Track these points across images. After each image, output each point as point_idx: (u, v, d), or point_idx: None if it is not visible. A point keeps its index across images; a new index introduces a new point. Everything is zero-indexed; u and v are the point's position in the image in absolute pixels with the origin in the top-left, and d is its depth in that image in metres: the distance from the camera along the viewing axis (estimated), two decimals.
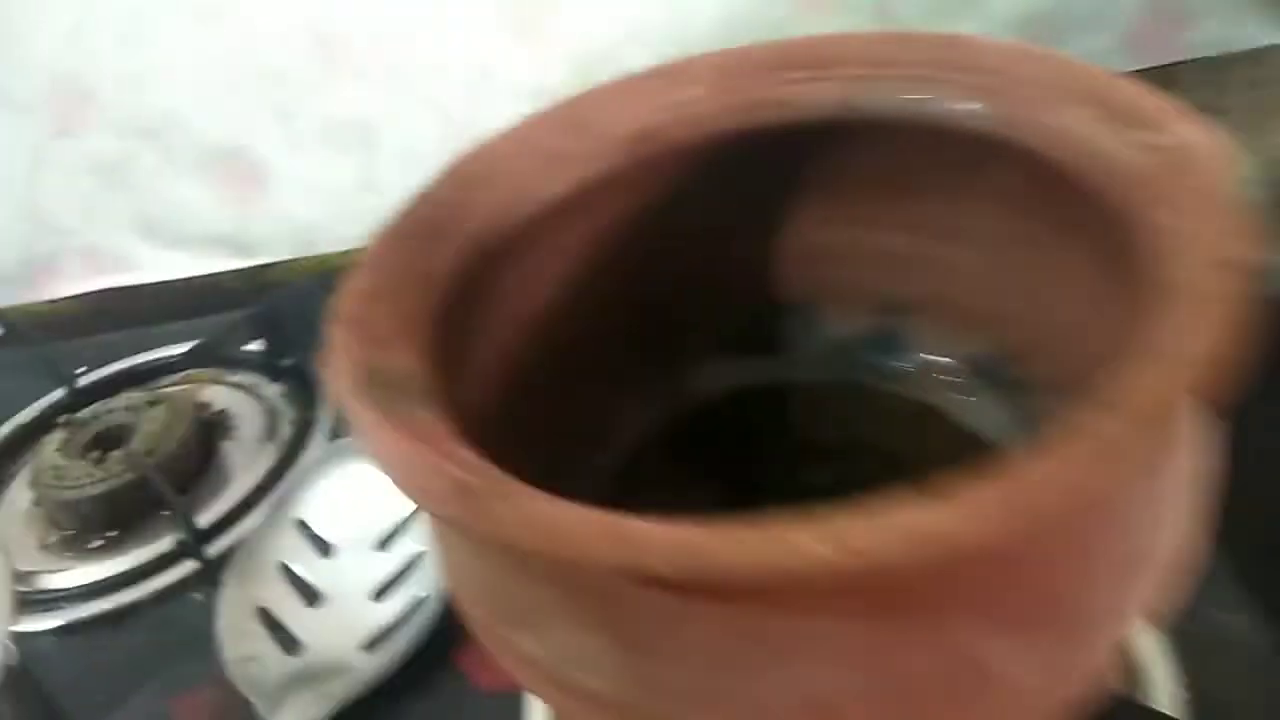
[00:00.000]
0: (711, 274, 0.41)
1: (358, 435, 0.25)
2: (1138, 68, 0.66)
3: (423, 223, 0.33)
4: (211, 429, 0.58)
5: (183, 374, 0.62)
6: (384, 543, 0.47)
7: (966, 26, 0.64)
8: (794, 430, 0.42)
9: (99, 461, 0.53)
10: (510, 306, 0.37)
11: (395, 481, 0.24)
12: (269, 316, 0.58)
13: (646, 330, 0.42)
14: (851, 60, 0.36)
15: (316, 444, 0.55)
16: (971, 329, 0.40)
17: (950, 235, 0.39)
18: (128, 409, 0.57)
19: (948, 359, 0.40)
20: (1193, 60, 0.66)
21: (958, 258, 0.39)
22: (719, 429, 0.42)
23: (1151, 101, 0.30)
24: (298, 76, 0.65)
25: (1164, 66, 0.66)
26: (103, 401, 0.59)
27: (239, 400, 0.60)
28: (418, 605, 0.44)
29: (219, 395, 0.61)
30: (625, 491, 0.40)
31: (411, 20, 0.64)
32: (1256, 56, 0.66)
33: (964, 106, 0.34)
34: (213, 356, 0.57)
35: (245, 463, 0.56)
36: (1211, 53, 0.65)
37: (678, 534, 0.20)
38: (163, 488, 0.50)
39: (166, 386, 0.63)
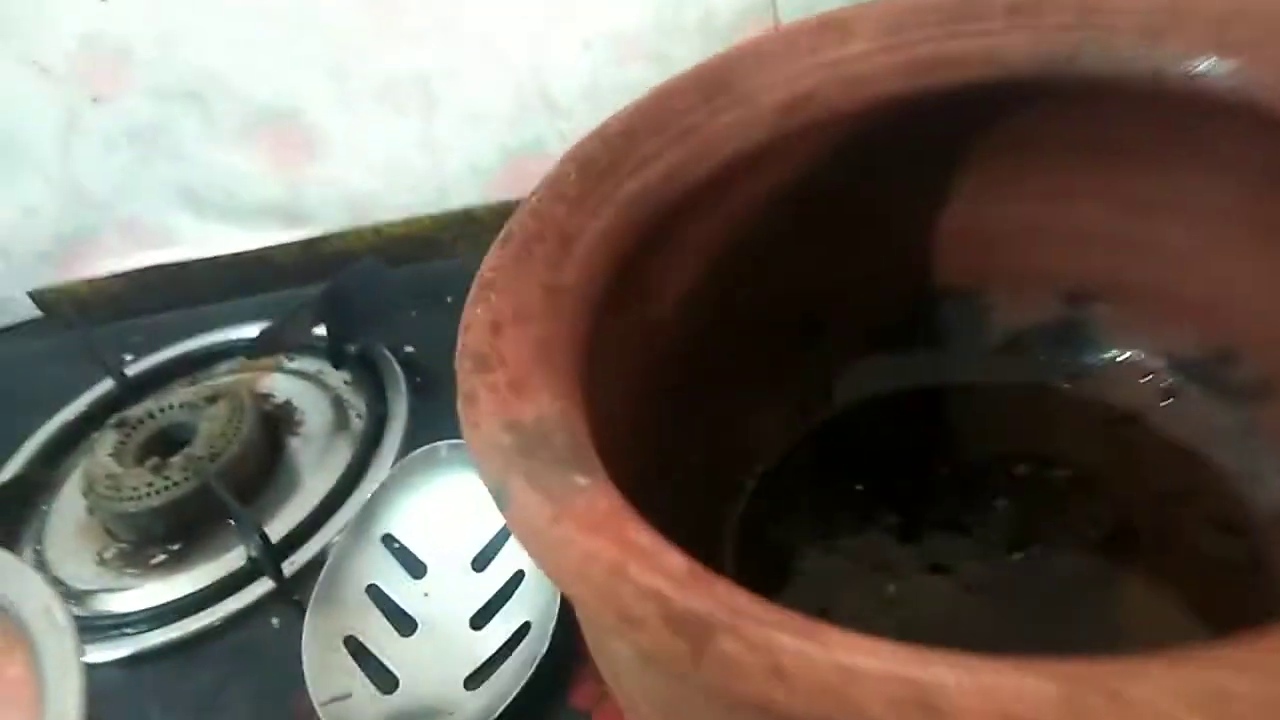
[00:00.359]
0: (863, 259, 0.35)
1: (512, 521, 0.20)
2: None
3: (548, 224, 0.27)
4: (275, 424, 0.53)
5: (240, 361, 0.57)
6: (480, 562, 0.42)
7: None
8: (960, 441, 0.36)
9: (158, 469, 0.48)
10: (640, 314, 0.31)
11: (575, 597, 0.18)
12: (331, 298, 0.53)
13: (787, 328, 0.36)
14: (1053, 4, 0.30)
15: (392, 441, 0.50)
16: (1178, 322, 0.34)
17: (1158, 209, 0.33)
18: (184, 406, 0.52)
19: (1148, 357, 0.35)
20: None
21: (1165, 235, 0.33)
22: (872, 438, 0.36)
23: None
24: (349, 31, 0.58)
25: None
26: (155, 396, 0.54)
27: (302, 390, 0.55)
28: (523, 633, 0.40)
29: (280, 385, 0.56)
30: (771, 514, 0.35)
31: None
32: None
33: (1198, 63, 0.28)
34: (275, 345, 0.52)
35: (315, 462, 0.51)
36: None
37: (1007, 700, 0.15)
38: (228, 498, 0.45)
39: (222, 375, 0.58)
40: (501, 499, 0.20)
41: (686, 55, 0.58)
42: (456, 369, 0.24)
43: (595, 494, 0.21)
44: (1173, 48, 0.28)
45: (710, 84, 0.31)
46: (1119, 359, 0.35)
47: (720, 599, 0.18)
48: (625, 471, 0.26)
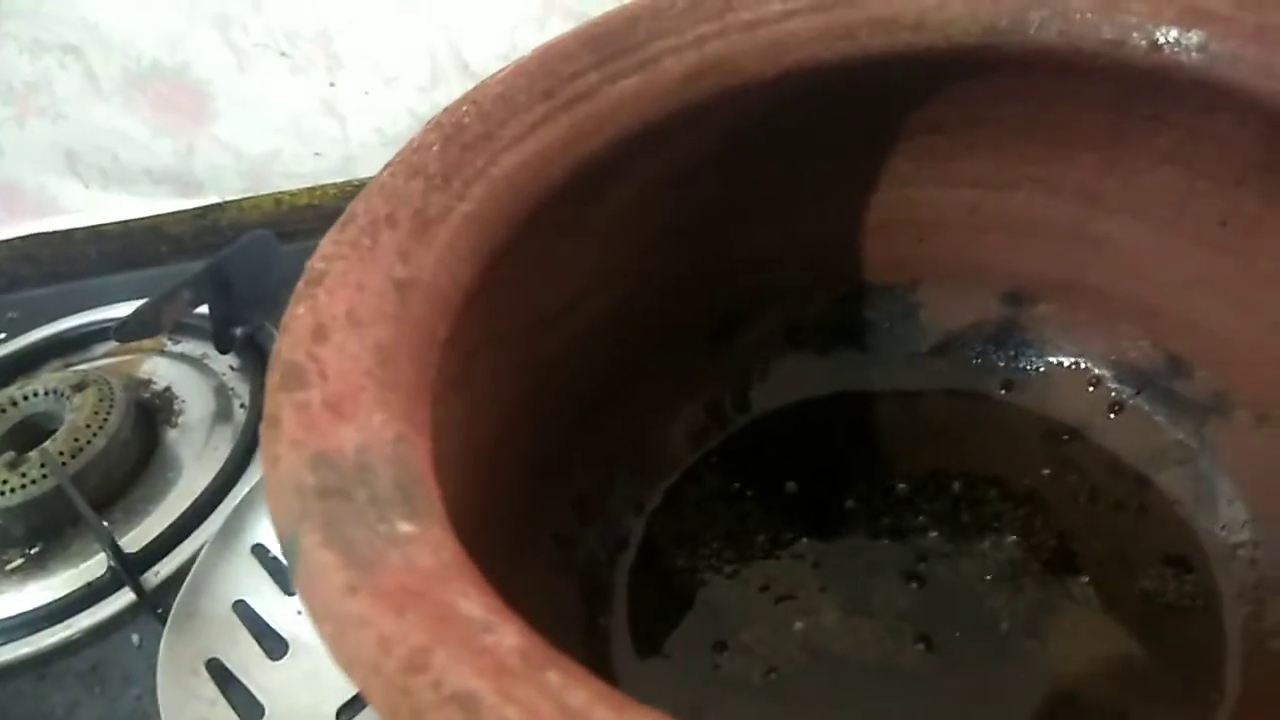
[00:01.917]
0: (781, 248, 0.32)
1: (300, 589, 0.16)
2: None
3: (400, 205, 0.23)
4: (152, 414, 0.48)
5: (117, 344, 0.52)
6: None
7: None
8: (886, 454, 0.32)
9: (13, 464, 0.43)
10: (519, 314, 0.27)
11: (367, 695, 0.14)
12: (215, 275, 0.48)
13: (696, 326, 0.32)
14: None
15: None
16: (1127, 327, 0.30)
17: (1108, 201, 0.29)
18: (50, 393, 0.47)
19: (1093, 364, 0.31)
20: None
21: (1115, 231, 0.30)
22: (789, 450, 0.32)
23: None
24: None
25: None
26: (21, 382, 0.49)
27: (184, 376, 0.50)
28: None
29: (160, 369, 0.51)
30: (674, 536, 0.31)
31: None
32: None
33: (1162, 34, 0.24)
34: (148, 327, 0.47)
35: (194, 456, 0.46)
36: None
37: None
38: (80, 503, 0.40)
39: (100, 358, 0.53)
40: (291, 559, 0.16)
41: None
42: (266, 385, 0.19)
43: (419, 546, 0.17)
44: (1134, 15, 0.25)
45: (606, 43, 0.27)
46: (1061, 365, 0.31)
47: (553, 694, 0.14)
48: (494, 500, 0.22)
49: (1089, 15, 0.25)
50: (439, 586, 0.16)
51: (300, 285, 0.21)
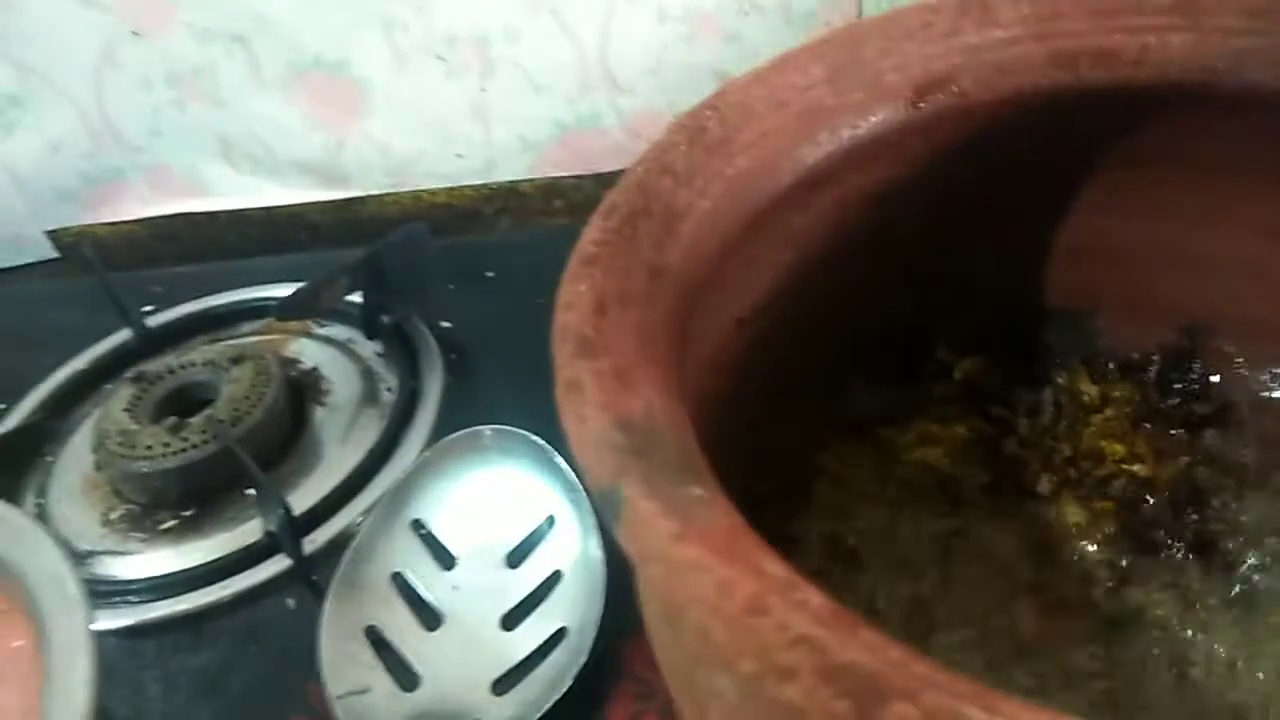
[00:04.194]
0: (971, 268, 0.33)
1: (627, 535, 0.17)
2: None
3: (654, 199, 0.24)
4: (301, 392, 0.50)
5: (266, 323, 0.54)
6: (515, 558, 0.39)
7: None
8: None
9: (175, 428, 0.45)
10: (729, 306, 0.29)
11: (703, 630, 0.15)
12: (371, 264, 0.50)
13: (882, 332, 0.33)
14: (1222, 4, 0.27)
15: (423, 420, 0.48)
16: None
17: None
18: (207, 364, 0.49)
19: (1260, 385, 0.32)
20: None
21: None
22: (957, 459, 0.33)
23: None
24: None
25: None
26: (176, 352, 0.51)
27: (331, 358, 0.52)
28: (557, 640, 0.37)
29: (308, 350, 0.53)
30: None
31: None
32: None
33: None
34: (308, 308, 0.49)
35: (341, 435, 0.48)
36: None
37: None
38: (251, 465, 0.42)
39: (247, 336, 0.55)
40: (613, 507, 0.17)
41: (761, 39, 0.55)
42: (554, 352, 0.21)
43: (714, 509, 0.18)
44: None
45: (836, 58, 0.28)
46: (1242, 399, 0.32)
47: (875, 649, 0.15)
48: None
49: None
50: (743, 546, 0.17)
51: (575, 265, 0.22)
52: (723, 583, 0.16)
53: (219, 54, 0.58)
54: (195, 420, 0.46)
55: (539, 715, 0.34)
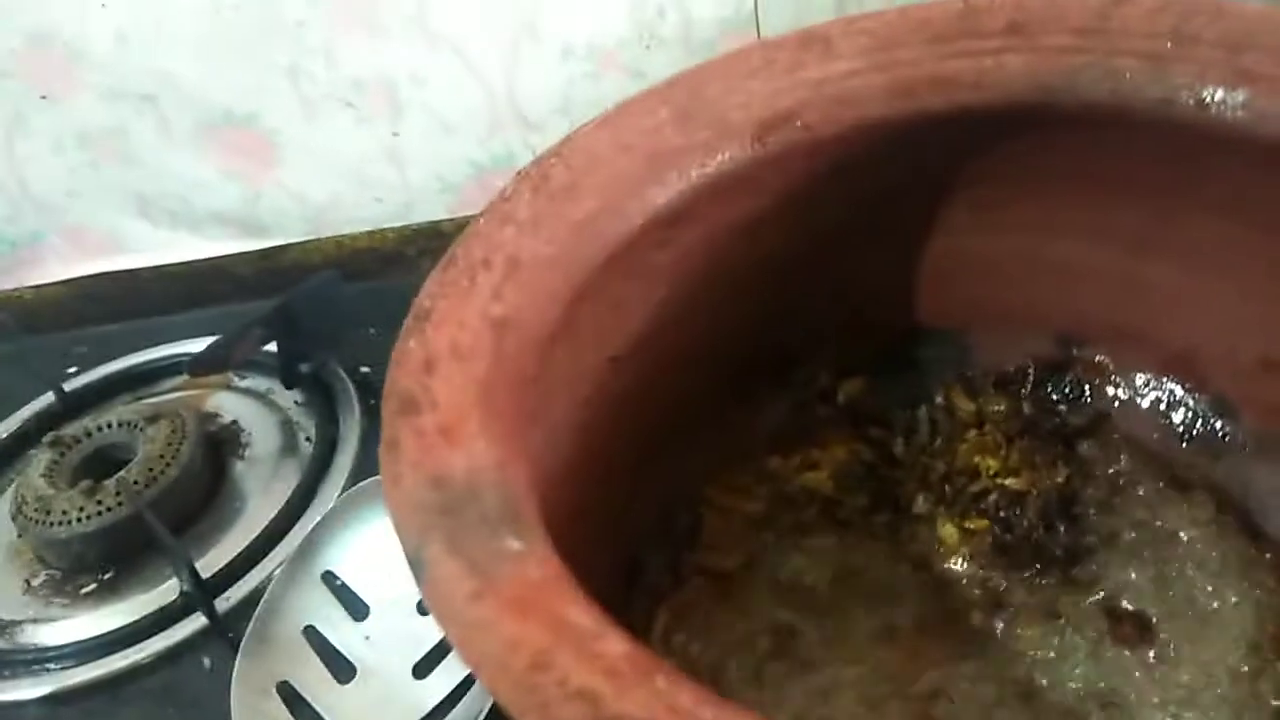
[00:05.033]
0: (840, 292, 0.33)
1: (427, 596, 0.17)
2: None
3: (495, 248, 0.25)
4: (220, 446, 0.50)
5: (186, 378, 0.54)
6: (425, 607, 0.39)
7: None
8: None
9: (90, 492, 0.45)
10: (593, 351, 0.29)
11: (494, 693, 0.16)
12: (284, 313, 0.50)
13: (756, 364, 0.34)
14: (1053, 25, 0.28)
15: (342, 468, 0.48)
16: (1175, 368, 0.32)
17: (1156, 249, 0.30)
18: (123, 425, 0.49)
19: (1141, 403, 0.32)
20: None
21: (1163, 277, 0.31)
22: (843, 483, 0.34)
23: None
24: (313, 32, 0.56)
25: None
26: (95, 414, 0.51)
27: (250, 410, 0.52)
28: (468, 685, 0.37)
29: (227, 404, 0.53)
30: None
31: None
32: None
33: (1208, 92, 0.26)
34: (222, 362, 0.49)
35: (260, 488, 0.48)
36: None
37: None
38: (159, 529, 0.42)
39: (168, 392, 0.55)
40: (417, 568, 0.18)
41: (665, 69, 0.55)
42: (382, 410, 0.21)
43: (528, 561, 0.18)
44: (1180, 75, 0.26)
45: (682, 100, 0.28)
46: (1114, 405, 0.32)
47: (662, 696, 0.15)
48: (566, 530, 0.23)
49: (1138, 75, 0.26)
50: (550, 597, 0.17)
51: (409, 320, 0.23)
52: (510, 641, 0.16)
53: (129, 113, 0.58)
54: (109, 483, 0.46)
55: None
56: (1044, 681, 0.27)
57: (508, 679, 0.16)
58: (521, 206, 0.26)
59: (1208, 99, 0.26)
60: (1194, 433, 0.30)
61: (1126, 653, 0.28)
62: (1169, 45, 0.26)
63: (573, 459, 0.28)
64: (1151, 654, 0.28)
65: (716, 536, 0.32)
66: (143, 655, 0.42)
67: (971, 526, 0.30)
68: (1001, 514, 0.30)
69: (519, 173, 0.27)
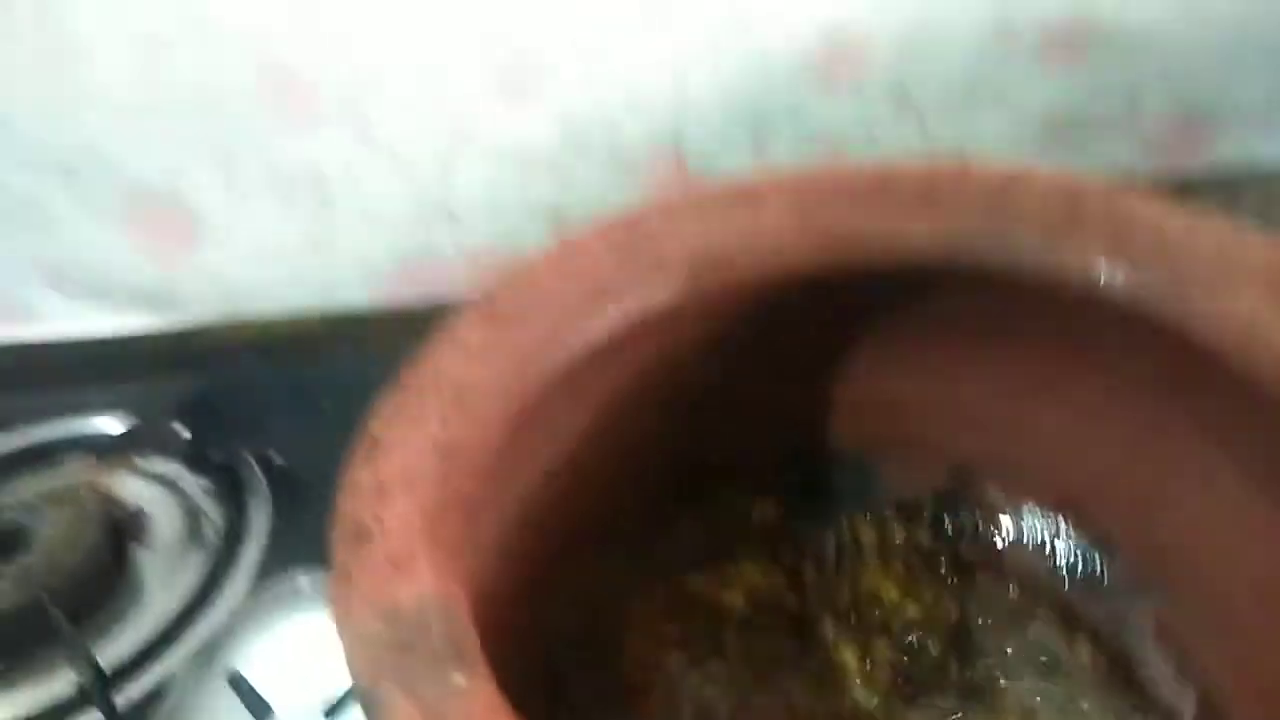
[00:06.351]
0: (760, 423, 0.35)
1: None
2: (1157, 176, 0.63)
3: (443, 375, 0.26)
4: (122, 532, 0.49)
5: (90, 457, 0.53)
6: (335, 711, 0.39)
7: (989, 119, 0.60)
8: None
9: None
10: (529, 475, 0.30)
11: None
12: (202, 400, 0.50)
13: (678, 483, 0.35)
14: (963, 196, 0.31)
15: (248, 561, 0.47)
16: (1060, 506, 0.34)
17: (1046, 397, 0.33)
18: (25, 506, 0.47)
19: (1028, 536, 0.35)
20: (1212, 175, 0.63)
21: (1051, 423, 0.34)
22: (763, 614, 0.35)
23: None
24: (244, 115, 0.56)
25: (1184, 179, 0.63)
26: None
27: (156, 496, 0.51)
28: None
29: (131, 488, 0.52)
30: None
31: (382, 64, 0.56)
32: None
33: (1092, 267, 0.29)
34: (136, 447, 0.49)
35: (162, 579, 0.47)
36: (1236, 166, 0.62)
37: None
38: (60, 619, 0.41)
39: (70, 471, 0.53)
40: (371, 707, 0.18)
41: (592, 180, 0.58)
42: (333, 539, 0.22)
43: (474, 699, 0.19)
44: (1070, 251, 0.29)
45: (621, 239, 0.30)
46: (1005, 537, 0.35)
47: None
48: (497, 648, 0.24)
49: (1032, 249, 0.29)
50: None
51: (361, 448, 0.24)
52: None
53: (48, 185, 0.57)
54: (8, 568, 0.44)
55: None
56: None
57: None
58: (472, 334, 0.27)
59: (1092, 273, 0.29)
60: (1078, 571, 0.33)
61: None
62: (1063, 223, 0.30)
63: (502, 575, 0.29)
64: None
65: (635, 654, 0.33)
66: None
67: (874, 655, 0.31)
68: (905, 642, 0.32)
69: (468, 302, 0.28)
